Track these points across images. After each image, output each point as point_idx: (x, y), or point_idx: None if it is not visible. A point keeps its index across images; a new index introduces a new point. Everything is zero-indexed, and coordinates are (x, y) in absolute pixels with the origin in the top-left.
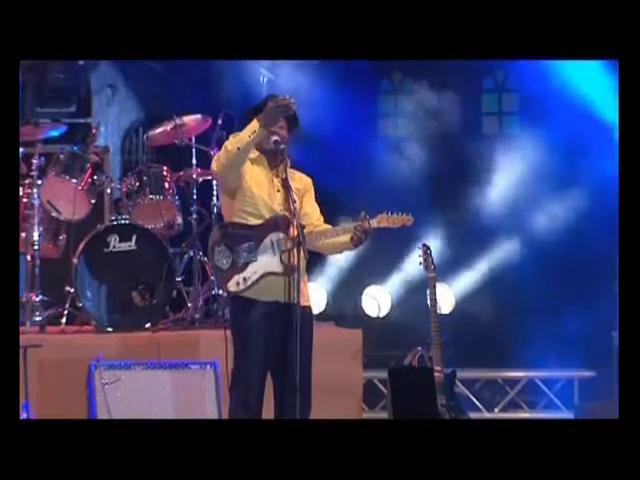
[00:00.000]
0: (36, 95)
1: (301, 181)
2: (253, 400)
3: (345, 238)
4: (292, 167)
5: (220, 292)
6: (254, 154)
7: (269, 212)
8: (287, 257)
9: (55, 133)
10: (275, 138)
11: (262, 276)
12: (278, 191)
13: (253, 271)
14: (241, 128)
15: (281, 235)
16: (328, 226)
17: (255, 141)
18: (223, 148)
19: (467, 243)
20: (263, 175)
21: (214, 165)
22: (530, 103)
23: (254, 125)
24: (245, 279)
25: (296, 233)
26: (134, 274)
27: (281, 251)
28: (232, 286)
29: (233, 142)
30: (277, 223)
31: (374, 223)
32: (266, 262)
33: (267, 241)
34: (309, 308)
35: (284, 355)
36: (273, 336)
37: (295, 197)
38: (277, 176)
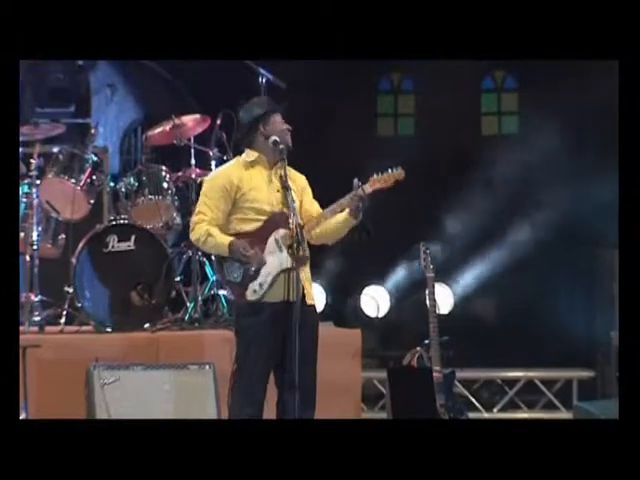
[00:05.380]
0: (36, 95)
1: (298, 180)
2: (256, 402)
3: (344, 214)
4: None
5: (219, 292)
6: (252, 156)
7: (269, 215)
8: (294, 251)
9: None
10: (274, 138)
11: (276, 275)
12: (277, 191)
13: (266, 274)
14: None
15: (282, 231)
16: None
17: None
18: (199, 236)
19: (466, 243)
20: (262, 176)
21: (190, 238)
22: (530, 103)
23: (225, 248)
24: (261, 284)
25: (295, 233)
26: (133, 274)
27: (287, 246)
28: (250, 295)
29: (206, 241)
30: (276, 221)
31: (368, 188)
32: (276, 261)
33: (271, 240)
34: (313, 307)
35: (290, 355)
36: (278, 336)
37: (295, 196)
38: (276, 175)
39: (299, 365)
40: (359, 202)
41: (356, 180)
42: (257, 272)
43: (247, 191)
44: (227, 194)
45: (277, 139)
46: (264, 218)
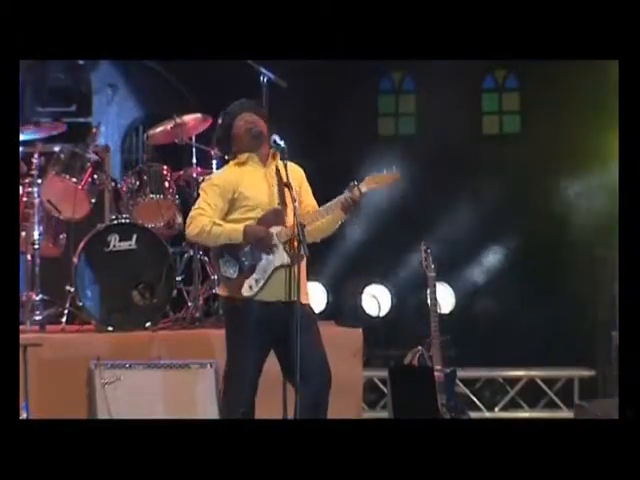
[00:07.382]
0: (36, 95)
1: (295, 173)
2: (246, 403)
3: (336, 210)
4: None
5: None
6: (244, 156)
7: (264, 211)
8: (290, 247)
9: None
10: (274, 137)
11: (272, 272)
12: (272, 187)
13: (263, 270)
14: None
15: (278, 228)
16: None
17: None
18: (202, 226)
19: (467, 242)
20: (257, 174)
21: (187, 233)
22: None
23: (239, 233)
24: (257, 280)
25: (297, 232)
26: (134, 273)
27: (283, 243)
28: (246, 291)
29: (212, 230)
30: (271, 218)
31: (363, 188)
32: (272, 257)
33: None
34: (308, 305)
35: (294, 355)
36: (270, 337)
37: (295, 195)
38: (271, 171)
39: (310, 367)
40: (352, 202)
41: (352, 183)
42: (253, 268)
43: (244, 189)
44: (225, 192)
45: (276, 138)
46: (260, 215)
